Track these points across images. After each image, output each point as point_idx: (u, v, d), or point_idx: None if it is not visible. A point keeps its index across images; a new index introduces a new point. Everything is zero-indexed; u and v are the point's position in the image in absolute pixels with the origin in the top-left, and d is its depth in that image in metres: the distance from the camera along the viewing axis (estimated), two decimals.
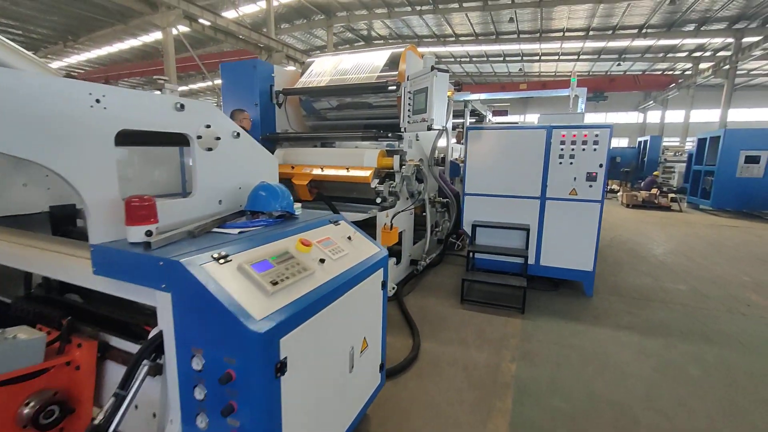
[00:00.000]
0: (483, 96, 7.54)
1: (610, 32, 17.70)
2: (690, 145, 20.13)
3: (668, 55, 20.42)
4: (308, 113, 5.84)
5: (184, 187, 2.78)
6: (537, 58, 21.06)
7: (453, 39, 18.78)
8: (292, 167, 4.76)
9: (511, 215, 4.87)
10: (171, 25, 11.46)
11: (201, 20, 12.31)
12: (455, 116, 8.03)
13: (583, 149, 4.50)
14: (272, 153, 5.30)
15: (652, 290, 4.88)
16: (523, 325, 3.91)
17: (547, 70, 23.57)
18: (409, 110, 4.12)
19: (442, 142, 7.79)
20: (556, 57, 20.79)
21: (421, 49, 5.49)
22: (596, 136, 4.44)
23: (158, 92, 2.05)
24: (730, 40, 17.00)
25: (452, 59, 21.91)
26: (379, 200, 4.34)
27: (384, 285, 2.43)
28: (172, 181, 2.87)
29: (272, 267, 1.65)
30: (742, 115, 23.27)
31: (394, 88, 4.53)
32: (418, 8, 15.67)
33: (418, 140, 5.08)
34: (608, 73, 22.90)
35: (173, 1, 11.02)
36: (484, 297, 4.55)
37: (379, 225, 4.24)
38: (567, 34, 17.98)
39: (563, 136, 4.56)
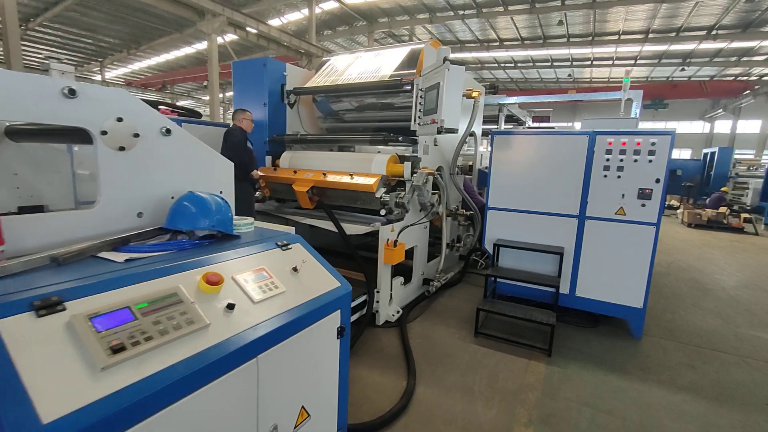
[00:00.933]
0: (518, 99, 6.68)
1: (673, 34, 15.83)
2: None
3: (743, 59, 17.97)
4: (324, 115, 5.35)
5: (75, 196, 2.29)
6: (588, 63, 19.39)
7: (497, 44, 17.73)
8: (294, 172, 4.27)
9: (542, 235, 4.05)
10: (216, 32, 11.61)
11: (247, 28, 12.42)
12: (490, 122, 7.23)
13: (635, 160, 3.59)
14: (279, 156, 4.89)
15: (723, 336, 3.83)
16: (548, 372, 3.10)
17: (600, 75, 21.68)
18: (420, 110, 3.47)
19: (470, 149, 7.02)
20: (610, 62, 19.03)
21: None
22: (653, 144, 3.53)
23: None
24: None
25: (496, 65, 20.79)
26: (383, 212, 3.72)
27: (342, 332, 1.80)
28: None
29: (132, 320, 1.10)
30: None
31: (409, 87, 3.90)
32: (461, 12, 14.89)
33: (437, 145, 4.40)
34: (670, 78, 20.64)
35: (218, 9, 11.13)
36: (503, 330, 3.76)
37: (382, 240, 3.61)
38: (623, 37, 16.32)
39: (610, 143, 3.69)
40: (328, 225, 3.97)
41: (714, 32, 14.97)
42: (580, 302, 3.92)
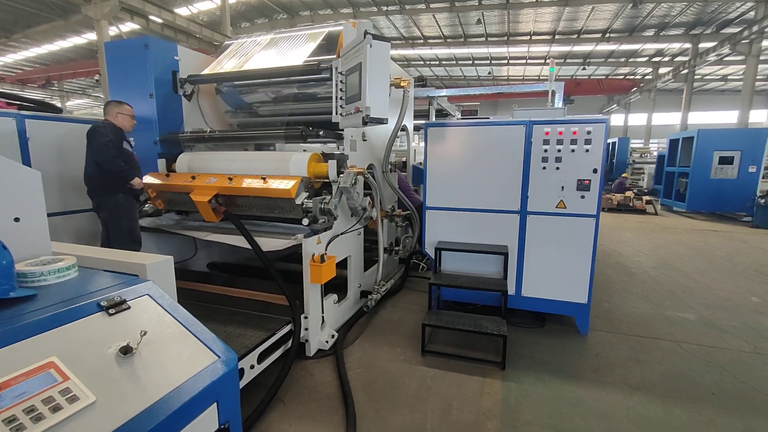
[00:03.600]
0: (448, 92, 6.38)
1: (575, 36, 17.11)
2: (655, 146, 19.83)
3: (630, 60, 20.09)
4: (234, 108, 4.49)
5: None
6: (505, 61, 20.32)
7: (422, 41, 17.73)
8: (193, 177, 3.40)
9: (485, 234, 3.68)
10: (106, 18, 9.82)
11: (150, 16, 10.73)
12: (420, 116, 6.85)
13: (572, 150, 3.35)
14: (174, 159, 3.96)
15: (657, 322, 3.79)
16: (504, 392, 2.70)
17: (515, 74, 22.91)
18: (341, 98, 2.86)
19: (402, 144, 6.57)
20: (524, 60, 20.12)
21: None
22: (588, 133, 3.30)
23: None
24: (688, 45, 16.73)
25: (421, 62, 20.91)
26: (306, 221, 3.05)
27: None
28: None
29: None
30: (700, 118, 23.27)
31: (327, 73, 3.25)
32: (385, 8, 14.53)
33: (366, 140, 3.82)
34: (574, 77, 22.44)
35: None
36: (452, 343, 3.32)
37: (306, 255, 2.95)
38: (534, 37, 17.28)
39: (546, 133, 3.41)
40: (240, 241, 3.20)
41: (607, 35, 16.45)
42: (527, 302, 3.63)
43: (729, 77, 21.49)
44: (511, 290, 3.58)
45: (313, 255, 2.96)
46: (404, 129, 5.03)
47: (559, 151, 3.38)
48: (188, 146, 3.96)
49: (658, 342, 3.39)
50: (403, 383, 2.79)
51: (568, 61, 20.18)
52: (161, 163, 3.81)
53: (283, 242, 3.07)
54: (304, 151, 3.56)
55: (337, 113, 2.95)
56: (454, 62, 21.06)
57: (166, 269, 1.79)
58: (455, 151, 3.69)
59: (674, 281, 4.94)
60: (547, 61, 20.01)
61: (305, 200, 3.11)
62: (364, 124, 2.47)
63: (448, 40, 17.58)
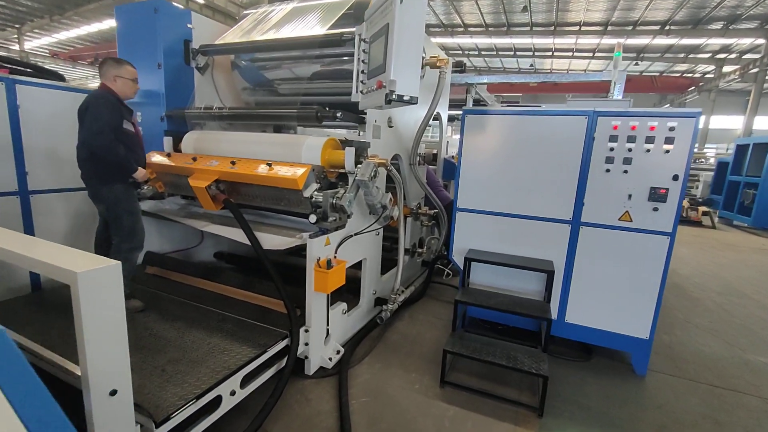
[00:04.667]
0: (490, 79, 5.65)
1: (630, 28, 15.54)
2: (712, 151, 18.00)
3: (690, 56, 18.13)
4: (253, 85, 4.03)
5: None
6: (550, 54, 18.89)
7: (462, 29, 16.70)
8: (194, 159, 2.97)
9: (526, 245, 3.04)
10: None
11: None
12: (455, 106, 6.17)
13: (647, 150, 2.64)
14: (182, 138, 3.55)
15: (733, 367, 3.03)
16: None
17: (559, 67, 21.32)
18: (363, 71, 2.29)
19: (433, 135, 5.91)
20: (570, 53, 18.61)
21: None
22: (671, 129, 2.58)
23: None
24: (761, 41, 14.79)
25: (460, 51, 19.84)
26: (313, 218, 2.54)
27: None
28: None
29: None
30: (766, 123, 20.86)
31: (351, 45, 2.69)
32: None
33: (392, 127, 3.25)
34: (624, 72, 20.63)
35: None
36: (478, 373, 2.74)
37: (311, 259, 2.45)
38: (584, 28, 15.84)
39: (615, 127, 2.70)
40: (241, 235, 2.74)
41: (667, 27, 14.80)
42: (570, 330, 2.98)
43: None
44: (553, 314, 2.95)
45: (319, 259, 2.45)
46: (437, 117, 4.41)
47: (629, 150, 2.67)
48: (197, 124, 3.54)
49: (740, 397, 2.66)
50: (415, 422, 2.25)
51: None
52: (167, 141, 3.41)
53: (286, 241, 2.58)
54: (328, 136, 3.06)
55: (356, 90, 2.40)
56: (495, 53, 19.84)
57: (108, 279, 1.33)
58: (497, 143, 3.05)
59: (749, 313, 4.09)
60: (596, 54, 18.47)
61: (315, 193, 2.60)
62: (388, 103, 1.90)
63: (489, 28, 16.45)
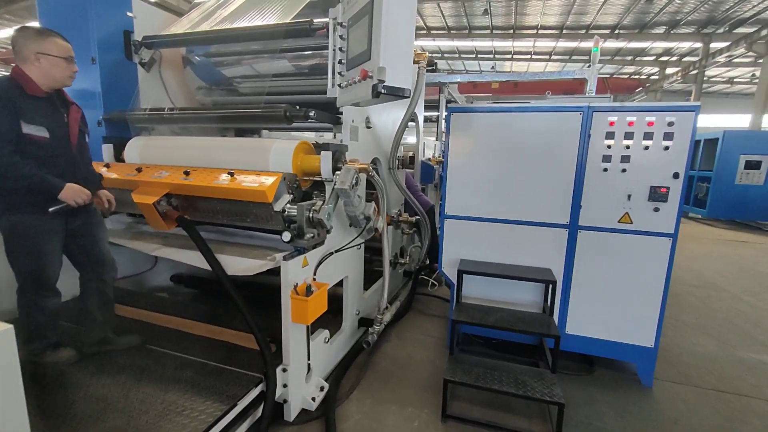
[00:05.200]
0: (466, 78, 5.44)
1: (583, 31, 16.18)
2: None
3: (637, 59, 19.22)
4: (209, 84, 3.53)
5: None
6: (509, 56, 19.34)
7: (425, 32, 16.69)
8: (138, 170, 2.46)
9: (521, 253, 2.79)
10: None
11: None
12: (428, 107, 5.91)
13: (646, 147, 2.46)
14: (122, 145, 3.00)
15: (730, 367, 2.93)
16: None
17: (519, 69, 21.96)
18: (341, 61, 1.93)
19: (410, 136, 5.63)
20: (529, 56, 19.15)
21: None
22: (669, 124, 2.41)
23: None
24: (699, 44, 15.89)
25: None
26: (287, 236, 2.13)
27: None
28: None
29: None
30: (708, 121, 22.45)
31: (321, 27, 2.31)
32: None
33: (370, 127, 2.90)
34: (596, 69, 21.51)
35: None
36: (481, 401, 2.43)
37: (286, 285, 2.04)
38: (540, 31, 16.31)
39: (611, 123, 2.51)
40: (199, 259, 2.28)
41: (617, 31, 15.53)
42: (571, 342, 2.75)
43: (736, 80, 20.74)
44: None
45: (296, 285, 2.05)
46: (413, 118, 4.11)
47: (627, 147, 2.49)
48: (143, 129, 3.01)
49: (747, 401, 2.53)
50: None
51: (574, 57, 19.26)
52: (106, 149, 2.87)
53: (255, 264, 2.15)
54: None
55: (332, 85, 2.02)
56: (457, 55, 20.05)
57: None
58: (486, 144, 2.78)
59: (728, 306, 4.10)
60: (552, 56, 19.11)
61: (287, 206, 2.20)
62: (376, 96, 1.55)
63: (452, 31, 16.58)
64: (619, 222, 2.55)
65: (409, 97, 1.70)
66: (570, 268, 2.69)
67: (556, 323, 2.73)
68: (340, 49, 1.87)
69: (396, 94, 1.57)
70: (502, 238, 2.81)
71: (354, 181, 2.22)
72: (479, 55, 19.36)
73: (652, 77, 20.45)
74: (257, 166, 2.37)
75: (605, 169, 2.54)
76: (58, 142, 1.95)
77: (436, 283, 3.94)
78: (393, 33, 1.52)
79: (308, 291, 2.03)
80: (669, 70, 18.38)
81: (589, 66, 4.71)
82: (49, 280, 2.03)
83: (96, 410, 1.73)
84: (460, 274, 2.73)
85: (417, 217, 3.66)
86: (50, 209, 1.85)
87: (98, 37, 2.80)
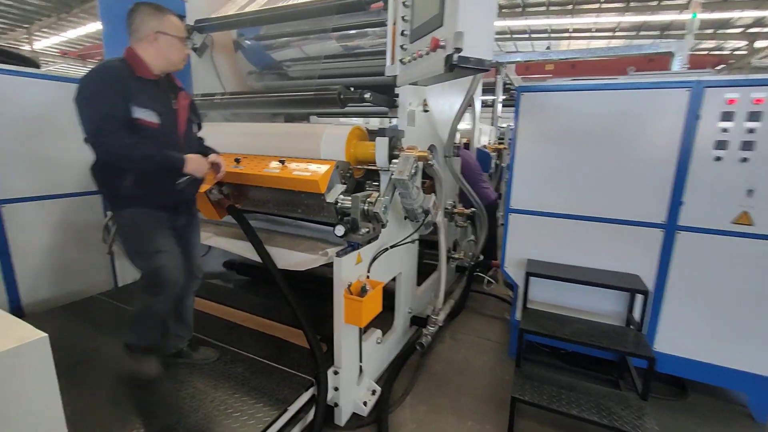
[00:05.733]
0: (525, 57, 4.90)
1: (654, 2, 14.35)
2: None
3: (718, 32, 16.81)
4: (260, 68, 3.42)
5: None
6: (567, 35, 17.75)
7: None
8: None
9: (600, 254, 2.39)
10: None
11: None
12: (485, 91, 5.44)
13: None
14: None
15: None
16: None
17: (577, 48, 20.19)
18: (403, 32, 1.65)
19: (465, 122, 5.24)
20: (589, 33, 17.44)
21: None
22: None
23: None
24: None
25: None
26: (340, 230, 1.93)
27: None
28: None
29: None
30: None
31: (381, 2, 2.05)
32: None
33: (427, 111, 2.61)
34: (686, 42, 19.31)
35: None
36: (551, 420, 2.13)
37: (339, 283, 1.86)
38: (603, 5, 14.70)
39: (731, 102, 2.02)
40: (249, 249, 2.17)
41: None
42: (661, 361, 2.33)
43: None
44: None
45: (350, 284, 1.86)
46: (470, 102, 3.74)
47: (751, 132, 1.99)
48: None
49: None
50: None
51: (642, 33, 17.28)
52: None
53: (307, 259, 1.99)
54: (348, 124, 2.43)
55: (393, 60, 1.76)
56: (509, 35, 18.77)
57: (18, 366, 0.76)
58: (563, 127, 2.38)
59: None
60: (616, 33, 17.26)
61: (340, 197, 2.00)
62: (450, 69, 1.27)
63: (503, 10, 15.48)
64: (733, 223, 2.07)
65: (488, 70, 1.39)
66: (664, 276, 2.26)
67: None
68: (404, 17, 1.60)
69: (475, 66, 1.28)
70: (579, 237, 2.43)
71: (413, 171, 1.97)
72: (532, 35, 17.97)
73: (738, 52, 17.85)
74: (308, 153, 2.19)
75: (718, 158, 2.06)
76: (167, 130, 1.72)
77: (492, 281, 3.61)
78: None
79: (362, 291, 1.83)
80: (759, 44, 15.89)
81: (682, 37, 4.00)
82: (167, 282, 1.74)
83: (148, 404, 1.67)
84: (528, 276, 2.40)
85: (473, 209, 3.34)
86: (177, 183, 1.69)
87: None
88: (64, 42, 16.10)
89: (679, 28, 16.99)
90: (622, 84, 2.27)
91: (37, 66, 2.81)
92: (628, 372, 2.35)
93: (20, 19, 14.74)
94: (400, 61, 1.65)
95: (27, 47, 15.91)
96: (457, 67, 1.26)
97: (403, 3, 1.58)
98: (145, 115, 1.62)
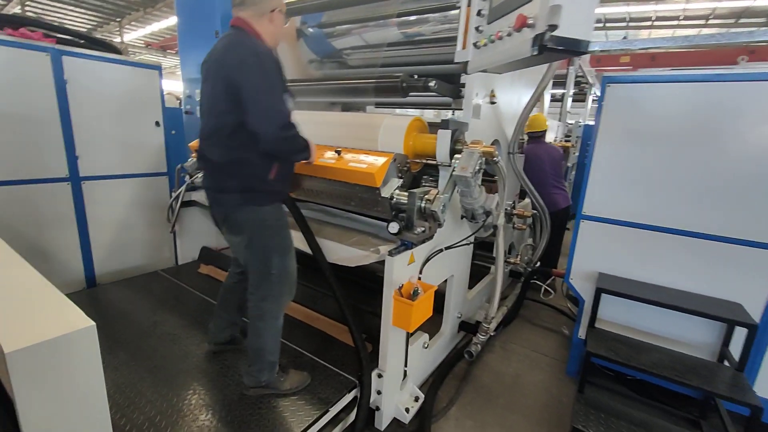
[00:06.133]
0: (605, 45, 4.39)
1: None
2: None
3: None
4: (320, 57, 3.37)
5: None
6: (649, 23, 15.94)
7: None
8: None
9: (689, 275, 2.04)
10: None
11: None
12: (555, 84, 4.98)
13: None
14: None
15: None
16: None
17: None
18: (480, 12, 1.46)
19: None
20: (676, 22, 15.51)
21: None
22: None
23: None
24: None
25: None
26: (394, 227, 1.81)
27: None
28: None
29: None
30: None
31: None
32: None
33: (494, 103, 2.38)
34: (747, 44, 16.86)
35: None
36: None
37: (390, 284, 1.74)
38: None
39: None
40: (299, 239, 2.13)
41: None
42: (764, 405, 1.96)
43: None
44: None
45: (401, 286, 1.74)
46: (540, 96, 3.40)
47: None
48: None
49: None
50: None
51: (742, 21, 15.03)
52: None
53: (357, 255, 1.89)
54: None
55: (465, 45, 1.57)
56: None
57: (60, 357, 0.73)
58: (657, 125, 2.04)
59: None
60: (709, 20, 15.15)
61: (396, 192, 1.87)
62: (539, 51, 1.07)
63: None
64: None
65: (587, 53, 1.17)
66: None
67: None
68: None
69: (570, 48, 1.07)
70: (663, 253, 2.09)
71: (477, 167, 1.79)
72: (607, 24, 16.37)
73: None
74: (366, 143, 2.08)
75: None
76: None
77: (551, 290, 3.31)
78: None
79: (414, 295, 1.70)
80: None
81: None
82: (293, 283, 1.73)
83: (195, 389, 1.69)
84: (599, 292, 2.11)
85: (534, 211, 3.06)
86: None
87: (221, 12, 2.79)
88: (148, 34, 17.60)
89: None
90: (736, 76, 1.88)
91: (119, 53, 2.99)
92: (714, 413, 2.00)
93: (113, 13, 16.30)
94: (474, 45, 1.46)
95: (118, 39, 17.63)
96: (548, 49, 1.05)
97: None
98: (290, 104, 1.53)
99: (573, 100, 5.03)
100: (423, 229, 1.82)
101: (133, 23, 16.88)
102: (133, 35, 17.80)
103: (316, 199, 2.29)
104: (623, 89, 2.11)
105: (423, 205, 1.78)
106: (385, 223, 1.87)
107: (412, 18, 2.56)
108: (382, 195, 1.85)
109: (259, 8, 1.52)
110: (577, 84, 5.76)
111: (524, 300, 3.29)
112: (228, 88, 1.42)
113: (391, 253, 1.74)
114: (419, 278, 1.92)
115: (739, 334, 1.92)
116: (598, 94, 2.29)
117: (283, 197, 1.73)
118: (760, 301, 1.89)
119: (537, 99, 2.63)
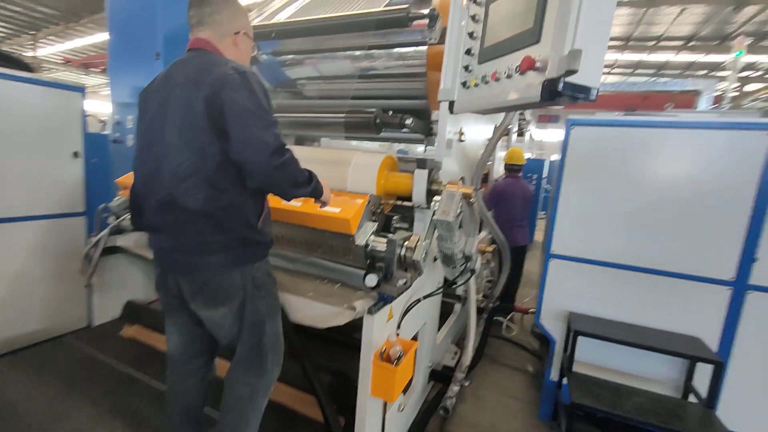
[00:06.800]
0: None
1: (651, 43, 14.69)
2: None
3: (710, 74, 17.26)
4: (274, 86, 3.13)
5: None
6: None
7: None
8: None
9: (653, 311, 2.08)
10: None
11: None
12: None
13: None
14: None
15: None
16: None
17: None
18: (469, 50, 1.36)
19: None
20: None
21: None
22: None
23: None
24: None
25: None
26: (372, 280, 1.58)
27: None
28: None
29: None
30: None
31: (426, 20, 1.78)
32: None
33: (463, 141, 2.32)
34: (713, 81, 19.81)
35: None
36: None
37: (369, 346, 1.49)
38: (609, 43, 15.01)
39: None
40: None
41: (691, 43, 13.94)
42: None
43: None
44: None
45: (383, 350, 1.49)
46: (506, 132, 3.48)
47: None
48: None
49: None
50: None
51: (637, 72, 17.66)
52: None
53: (330, 313, 1.62)
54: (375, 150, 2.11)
55: (448, 84, 1.46)
56: None
57: None
58: (617, 167, 2.10)
59: None
60: (613, 70, 17.57)
61: (372, 239, 1.66)
62: (550, 97, 0.96)
63: None
64: None
65: (593, 100, 1.10)
66: (729, 342, 1.94)
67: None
68: (471, 34, 1.31)
69: (581, 95, 0.98)
70: (630, 291, 2.12)
71: (459, 210, 1.65)
72: None
73: (728, 95, 18.32)
74: (332, 183, 1.85)
75: None
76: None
77: (512, 326, 3.25)
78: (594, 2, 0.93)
79: (396, 360, 1.46)
80: (749, 87, 16.31)
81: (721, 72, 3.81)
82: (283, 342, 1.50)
83: None
84: (575, 334, 2.06)
85: (494, 245, 3.04)
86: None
87: (164, 32, 2.46)
88: (69, 50, 15.85)
89: (673, 68, 17.41)
90: (689, 123, 2.00)
91: (30, 69, 2.47)
92: None
93: (27, 26, 14.50)
94: (463, 84, 1.35)
95: (30, 53, 15.62)
96: (560, 95, 0.95)
97: (472, 17, 1.29)
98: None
99: (518, 135, 5.31)
100: (405, 280, 1.62)
101: (50, 37, 15.16)
102: (49, 50, 15.97)
103: (276, 246, 1.98)
104: (588, 131, 2.16)
105: (404, 253, 1.59)
106: (355, 269, 1.64)
107: (362, 53, 2.42)
108: (357, 242, 1.63)
109: (222, 29, 1.31)
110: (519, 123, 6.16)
111: (488, 335, 3.19)
112: (209, 113, 1.14)
113: (370, 311, 1.50)
114: (397, 334, 1.70)
115: (701, 369, 1.95)
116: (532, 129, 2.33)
117: (271, 247, 1.41)
118: (715, 335, 1.95)
119: (501, 136, 2.63)
